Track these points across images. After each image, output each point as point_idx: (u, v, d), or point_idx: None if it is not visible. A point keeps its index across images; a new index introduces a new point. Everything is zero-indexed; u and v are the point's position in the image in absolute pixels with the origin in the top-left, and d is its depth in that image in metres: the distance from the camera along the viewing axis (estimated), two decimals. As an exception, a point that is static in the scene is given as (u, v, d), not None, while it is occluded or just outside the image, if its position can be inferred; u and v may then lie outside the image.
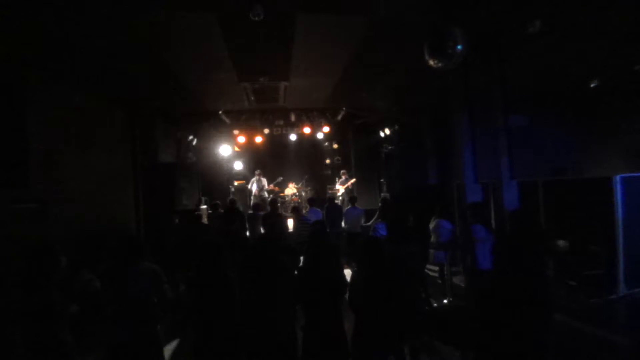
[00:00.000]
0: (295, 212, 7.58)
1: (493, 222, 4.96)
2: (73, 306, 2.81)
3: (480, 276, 4.80)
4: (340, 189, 11.49)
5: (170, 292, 3.09)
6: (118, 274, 2.94)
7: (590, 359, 3.98)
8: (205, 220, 9.11)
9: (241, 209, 9.86)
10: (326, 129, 11.23)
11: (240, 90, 7.41)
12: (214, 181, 12.26)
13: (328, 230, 7.44)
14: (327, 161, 13.74)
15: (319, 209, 8.07)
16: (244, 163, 13.30)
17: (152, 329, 3.01)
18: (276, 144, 12.81)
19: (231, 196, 11.49)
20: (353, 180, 11.46)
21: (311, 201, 8.57)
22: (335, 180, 12.28)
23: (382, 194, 10.86)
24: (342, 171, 11.77)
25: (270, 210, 7.51)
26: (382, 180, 11.46)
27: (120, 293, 2.88)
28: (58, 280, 2.75)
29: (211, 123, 10.34)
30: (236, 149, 12.71)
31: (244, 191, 11.87)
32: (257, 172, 11.73)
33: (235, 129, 11.06)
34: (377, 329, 3.03)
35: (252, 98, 8.02)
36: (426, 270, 6.26)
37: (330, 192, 11.75)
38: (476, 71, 4.89)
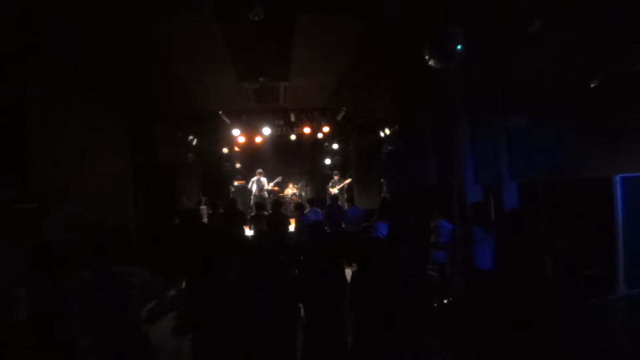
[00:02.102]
0: (299, 210, 7.58)
1: (493, 222, 4.97)
2: (76, 306, 2.80)
3: (480, 276, 4.81)
4: (334, 191, 11.42)
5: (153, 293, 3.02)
6: (92, 279, 2.87)
7: (590, 359, 3.98)
8: (205, 220, 9.11)
9: (241, 209, 9.86)
10: (326, 129, 11.22)
11: (240, 90, 7.41)
12: (214, 181, 12.26)
13: (328, 230, 7.48)
14: (327, 161, 13.74)
15: (319, 209, 8.07)
16: (244, 163, 13.30)
17: (135, 333, 2.94)
18: (276, 144, 12.80)
19: (231, 196, 11.52)
20: (348, 180, 11.44)
21: (311, 201, 8.58)
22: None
23: (382, 194, 10.86)
24: (335, 172, 11.72)
25: (273, 211, 7.50)
26: (382, 180, 11.46)
27: (95, 299, 2.82)
28: (63, 280, 2.76)
29: (211, 123, 10.34)
30: (236, 149, 12.72)
31: (244, 191, 11.86)
32: (257, 172, 11.73)
33: (235, 129, 11.06)
34: (377, 329, 3.03)
35: (252, 98, 8.02)
36: (426, 270, 6.25)
37: (330, 191, 11.74)
38: (476, 71, 4.90)
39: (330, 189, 11.61)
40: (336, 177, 11.50)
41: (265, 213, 7.78)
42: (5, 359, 3.06)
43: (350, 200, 8.54)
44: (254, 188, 11.52)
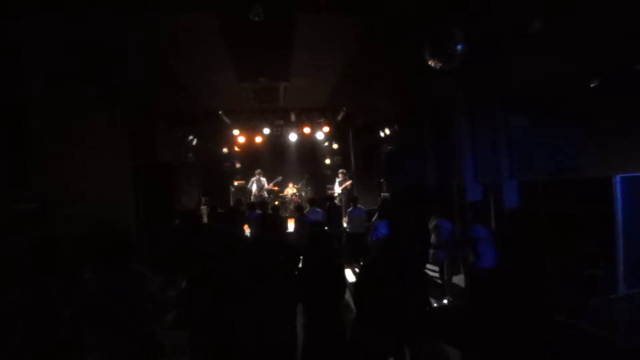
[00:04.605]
0: (299, 211, 7.57)
1: (493, 222, 4.97)
2: (75, 306, 2.79)
3: (480, 275, 4.80)
4: (337, 190, 11.45)
5: (163, 293, 3.03)
6: (106, 277, 2.86)
7: (590, 359, 3.98)
8: (205, 220, 9.11)
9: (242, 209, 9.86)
10: (326, 129, 11.24)
11: (240, 90, 7.41)
12: (214, 181, 12.26)
13: (328, 230, 7.47)
14: (327, 161, 13.73)
15: (319, 209, 8.07)
16: (244, 163, 13.31)
17: (146, 332, 2.93)
18: (276, 144, 12.81)
19: (232, 196, 11.53)
20: (349, 182, 11.46)
21: (311, 201, 8.58)
22: (334, 180, 12.26)
23: (382, 194, 10.87)
24: (341, 170, 11.72)
25: (264, 211, 7.51)
26: (382, 180, 11.46)
27: (108, 296, 2.81)
28: (60, 279, 2.75)
29: (211, 123, 10.35)
30: (236, 149, 12.72)
31: (244, 191, 11.87)
32: (257, 172, 11.73)
33: (235, 129, 11.07)
34: (377, 329, 3.03)
35: (252, 98, 8.02)
36: (426, 270, 6.25)
37: (330, 192, 11.74)
38: (476, 71, 4.89)
39: (337, 187, 11.61)
40: (341, 176, 11.49)
41: (257, 212, 7.78)
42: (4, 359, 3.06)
43: (354, 200, 8.52)
44: (254, 188, 11.53)
